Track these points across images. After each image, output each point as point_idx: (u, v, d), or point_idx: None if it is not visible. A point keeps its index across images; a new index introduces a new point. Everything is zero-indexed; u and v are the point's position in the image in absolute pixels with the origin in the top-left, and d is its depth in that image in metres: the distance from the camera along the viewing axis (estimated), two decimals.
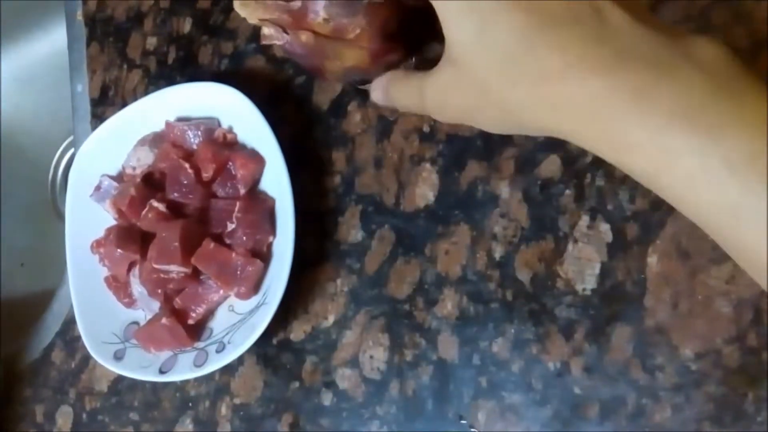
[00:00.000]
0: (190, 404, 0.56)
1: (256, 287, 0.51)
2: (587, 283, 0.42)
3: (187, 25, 0.64)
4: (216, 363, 0.50)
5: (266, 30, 0.39)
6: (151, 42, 0.66)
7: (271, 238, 0.52)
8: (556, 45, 0.26)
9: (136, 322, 0.56)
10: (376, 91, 0.39)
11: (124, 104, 0.63)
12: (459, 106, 0.31)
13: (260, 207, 0.52)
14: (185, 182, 0.54)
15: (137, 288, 0.56)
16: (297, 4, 0.37)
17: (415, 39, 0.39)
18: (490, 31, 0.27)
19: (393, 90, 0.37)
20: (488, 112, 0.30)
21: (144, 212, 0.54)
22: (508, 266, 0.45)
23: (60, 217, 0.88)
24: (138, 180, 0.56)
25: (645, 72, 0.25)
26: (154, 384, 0.58)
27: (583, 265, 0.42)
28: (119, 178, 0.59)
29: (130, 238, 0.56)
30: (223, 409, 0.54)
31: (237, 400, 0.53)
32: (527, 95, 0.28)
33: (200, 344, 0.52)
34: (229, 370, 0.54)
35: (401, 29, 0.38)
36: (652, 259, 0.40)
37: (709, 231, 0.26)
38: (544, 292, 0.43)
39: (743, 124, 0.24)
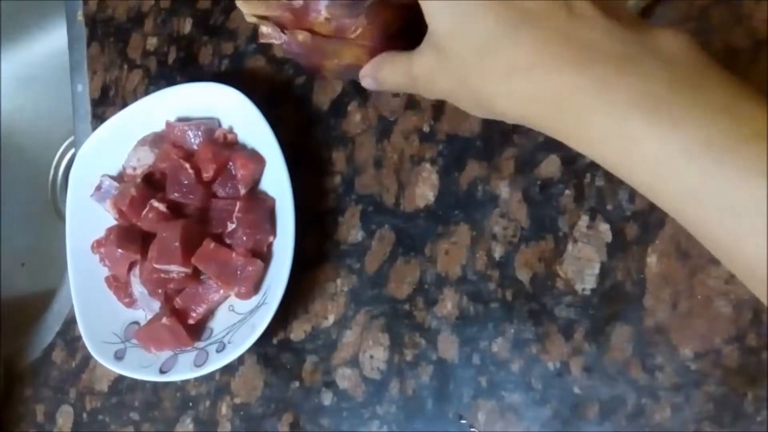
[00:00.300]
0: (191, 404, 0.56)
1: (256, 287, 0.51)
2: (587, 283, 0.42)
3: (187, 26, 0.64)
4: (216, 363, 0.50)
5: (264, 28, 0.39)
6: (152, 42, 0.66)
7: (271, 238, 0.52)
8: (525, 41, 0.28)
9: (136, 322, 0.56)
10: (366, 79, 0.39)
11: (125, 104, 0.63)
12: (442, 88, 0.33)
13: (260, 207, 0.52)
14: (186, 182, 0.54)
15: (138, 288, 0.56)
16: (299, 3, 0.37)
17: (413, 34, 0.39)
18: (466, 24, 0.29)
19: (383, 72, 0.38)
20: (465, 97, 0.31)
21: (144, 212, 0.54)
22: (508, 266, 0.45)
23: (60, 217, 0.88)
24: (138, 180, 0.56)
25: (608, 66, 0.26)
26: (154, 384, 0.58)
27: (583, 265, 0.42)
28: (120, 178, 0.59)
29: (131, 238, 0.56)
30: (224, 409, 0.54)
31: (237, 400, 0.54)
32: (499, 87, 0.29)
33: (200, 344, 0.52)
34: (229, 369, 0.54)
35: (401, 27, 0.38)
36: (652, 259, 0.40)
37: (674, 215, 0.27)
38: (544, 292, 0.43)
39: (701, 112, 0.25)
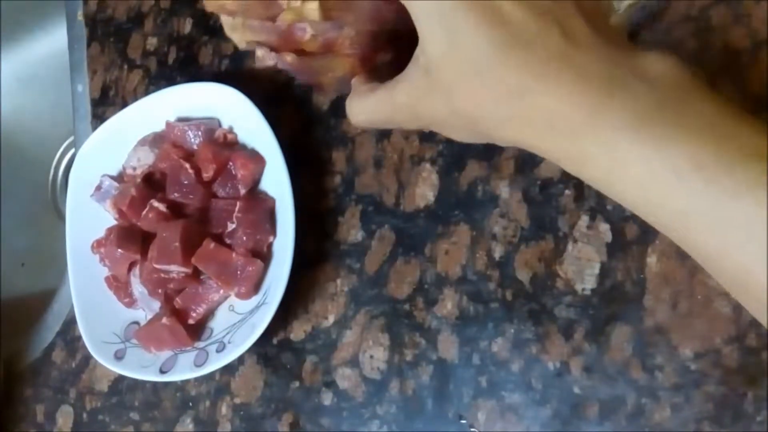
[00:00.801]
0: (191, 404, 0.56)
1: (256, 287, 0.51)
2: (587, 283, 0.42)
3: (187, 26, 0.64)
4: (216, 363, 0.50)
5: (258, 52, 0.38)
6: (152, 42, 0.66)
7: (271, 238, 0.52)
8: (519, 63, 0.27)
9: (136, 322, 0.56)
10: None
11: (125, 104, 0.63)
12: (431, 115, 0.32)
13: (260, 207, 0.52)
14: (186, 182, 0.54)
15: (138, 288, 0.56)
16: (283, 24, 0.36)
17: (401, 41, 0.37)
18: (459, 45, 0.28)
19: (355, 106, 0.36)
20: (456, 122, 0.31)
21: (144, 212, 0.54)
22: (508, 266, 0.45)
23: (60, 217, 0.88)
24: (138, 180, 0.56)
25: (598, 89, 0.27)
26: (154, 384, 0.58)
27: (583, 265, 0.42)
28: (120, 178, 0.59)
29: (131, 238, 0.56)
30: (224, 409, 0.54)
31: (237, 400, 0.54)
32: (492, 110, 0.29)
33: (200, 344, 0.52)
34: (229, 369, 0.54)
35: (390, 33, 0.37)
36: (652, 259, 0.40)
37: (664, 231, 0.27)
38: (544, 292, 0.43)
39: (687, 132, 0.25)
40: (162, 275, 0.53)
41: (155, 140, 0.58)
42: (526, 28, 0.27)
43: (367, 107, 0.35)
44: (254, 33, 0.38)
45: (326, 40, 0.36)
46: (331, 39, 0.36)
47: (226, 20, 0.39)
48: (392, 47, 0.38)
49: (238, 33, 0.38)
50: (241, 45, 0.39)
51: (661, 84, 0.26)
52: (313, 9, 0.35)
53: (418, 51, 0.31)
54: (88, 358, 0.61)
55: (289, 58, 0.37)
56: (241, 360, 0.53)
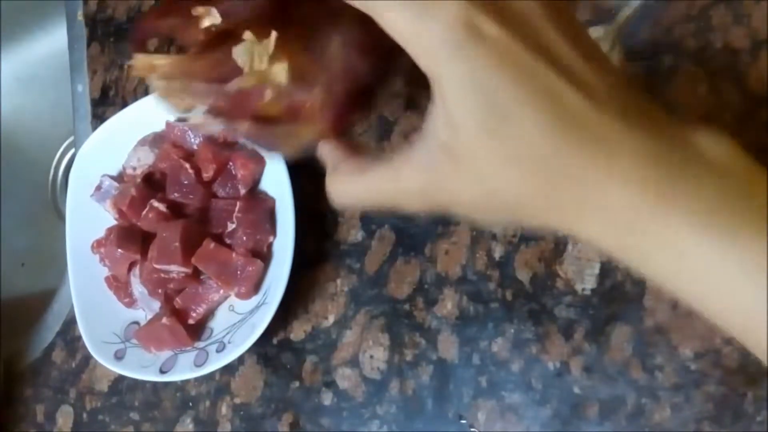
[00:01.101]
0: (191, 404, 0.56)
1: (256, 287, 0.51)
2: (587, 283, 0.42)
3: None
4: (216, 363, 0.50)
5: (199, 118, 0.31)
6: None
7: (271, 238, 0.52)
8: (572, 151, 0.24)
9: (136, 322, 0.56)
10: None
11: (125, 104, 0.63)
12: (451, 199, 0.27)
13: (260, 207, 0.52)
14: (186, 182, 0.54)
15: (138, 288, 0.56)
16: (233, 87, 0.30)
17: (371, 91, 0.32)
18: (503, 128, 0.24)
19: (342, 188, 0.31)
20: (486, 206, 0.27)
21: (144, 212, 0.54)
22: (508, 266, 0.45)
23: (60, 217, 0.88)
24: (138, 180, 0.56)
25: (654, 174, 0.24)
26: (154, 384, 0.58)
27: (583, 265, 0.42)
28: (120, 178, 0.59)
29: (131, 238, 0.56)
30: (224, 409, 0.54)
31: (237, 400, 0.54)
32: (537, 199, 0.25)
33: (200, 344, 0.52)
34: (229, 369, 0.54)
35: (365, 86, 0.31)
36: None
37: (719, 323, 0.25)
38: (544, 292, 0.43)
39: (757, 226, 0.24)
40: (162, 275, 0.53)
41: (155, 140, 0.58)
42: (579, 109, 0.24)
43: (358, 190, 0.30)
44: (197, 97, 0.31)
45: (292, 104, 0.30)
46: (298, 103, 0.30)
47: (157, 83, 0.32)
48: (363, 104, 0.32)
49: (175, 97, 0.31)
50: (178, 112, 0.32)
51: (720, 168, 0.24)
52: (281, 71, 0.29)
53: (435, 125, 0.26)
54: (88, 358, 0.61)
55: (245, 126, 0.30)
56: (241, 360, 0.53)
